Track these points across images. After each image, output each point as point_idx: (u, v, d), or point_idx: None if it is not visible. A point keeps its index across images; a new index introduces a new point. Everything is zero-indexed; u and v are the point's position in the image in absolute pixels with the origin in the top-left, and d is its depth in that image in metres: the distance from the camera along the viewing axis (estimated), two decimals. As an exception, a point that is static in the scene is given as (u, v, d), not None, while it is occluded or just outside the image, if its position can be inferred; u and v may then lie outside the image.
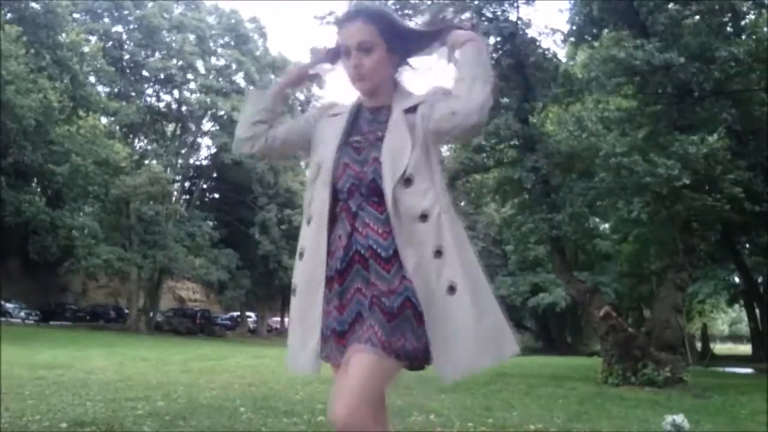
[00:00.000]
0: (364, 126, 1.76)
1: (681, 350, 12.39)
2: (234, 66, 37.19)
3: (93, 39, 32.25)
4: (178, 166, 37.40)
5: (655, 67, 10.92)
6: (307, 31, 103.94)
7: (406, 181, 1.62)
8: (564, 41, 14.33)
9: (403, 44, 1.80)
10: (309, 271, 1.68)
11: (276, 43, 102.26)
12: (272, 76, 39.12)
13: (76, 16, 33.27)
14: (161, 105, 38.06)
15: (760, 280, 23.91)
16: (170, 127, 38.68)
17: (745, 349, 39.78)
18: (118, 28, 35.58)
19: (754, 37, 12.59)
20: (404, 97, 1.78)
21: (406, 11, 12.86)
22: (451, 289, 1.57)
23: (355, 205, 1.65)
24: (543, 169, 12.13)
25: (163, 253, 31.94)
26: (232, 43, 38.00)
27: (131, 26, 35.37)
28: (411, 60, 1.85)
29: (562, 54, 15.27)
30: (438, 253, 1.59)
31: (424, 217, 1.61)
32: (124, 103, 31.94)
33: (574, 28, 14.33)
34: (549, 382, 10.87)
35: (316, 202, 1.70)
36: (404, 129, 1.68)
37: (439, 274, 1.58)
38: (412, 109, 1.72)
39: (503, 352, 1.63)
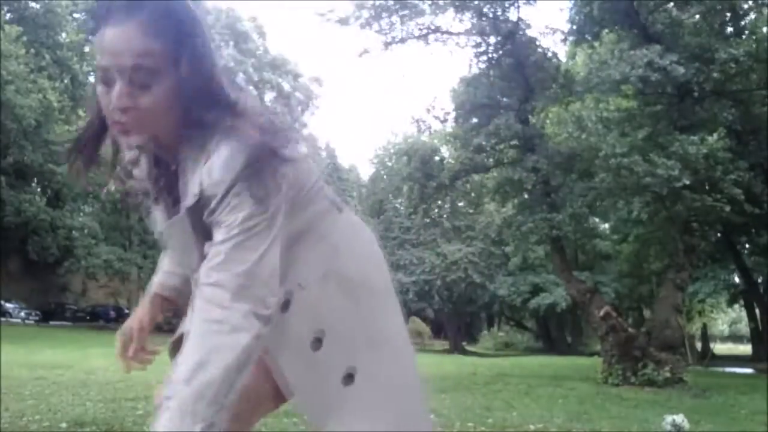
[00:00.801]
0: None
1: (681, 350, 12.39)
2: (233, 65, 37.19)
3: (93, 39, 32.26)
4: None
5: (654, 70, 10.92)
6: (307, 30, 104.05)
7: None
8: (564, 41, 14.35)
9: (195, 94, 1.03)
10: None
11: (276, 43, 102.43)
12: (272, 75, 39.21)
13: (76, 15, 33.27)
14: (161, 105, 38.14)
15: (760, 280, 23.93)
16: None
17: (745, 349, 39.79)
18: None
19: (754, 37, 12.60)
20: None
21: (406, 11, 12.87)
22: None
23: None
24: (543, 169, 12.13)
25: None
26: (231, 42, 38.01)
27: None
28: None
29: (562, 54, 15.28)
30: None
31: None
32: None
33: (575, 27, 14.34)
34: (549, 382, 10.87)
35: None
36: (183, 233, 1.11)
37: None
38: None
39: None
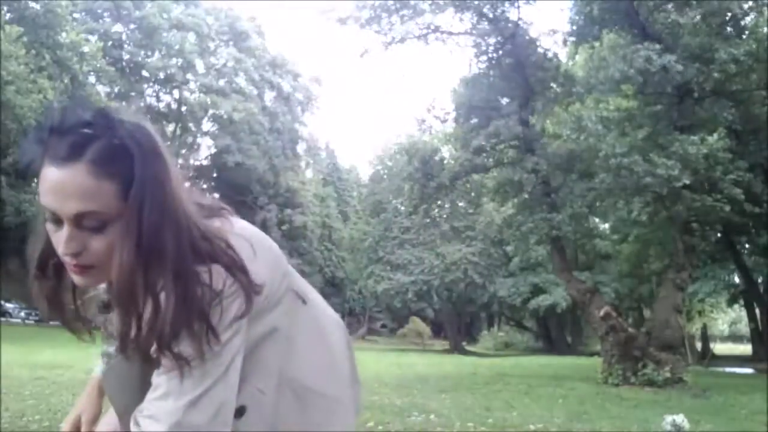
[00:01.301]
0: None
1: (681, 350, 12.39)
2: (233, 65, 37.21)
3: (93, 39, 32.25)
4: (178, 166, 37.41)
5: (652, 73, 10.93)
6: (307, 30, 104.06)
7: None
8: (564, 41, 14.34)
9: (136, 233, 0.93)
10: None
11: (276, 43, 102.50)
12: (272, 75, 39.20)
13: (76, 16, 33.26)
14: (161, 105, 38.10)
15: (760, 280, 23.92)
16: (170, 128, 38.70)
17: (745, 349, 39.78)
18: (118, 27, 35.60)
19: (754, 37, 12.59)
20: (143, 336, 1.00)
21: (406, 11, 12.87)
22: None
23: None
24: (543, 170, 12.13)
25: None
26: (231, 42, 38.02)
27: (131, 26, 35.39)
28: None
29: (562, 54, 15.27)
30: None
31: None
32: (123, 103, 31.93)
33: (575, 28, 14.34)
34: (549, 382, 10.87)
35: None
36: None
37: None
38: None
39: None
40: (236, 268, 0.97)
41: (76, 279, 0.98)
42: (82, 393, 1.28)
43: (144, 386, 1.00)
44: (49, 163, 0.91)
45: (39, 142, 0.93)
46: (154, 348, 0.94)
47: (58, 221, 0.92)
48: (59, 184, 0.90)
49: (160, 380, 0.96)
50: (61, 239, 0.92)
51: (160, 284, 0.93)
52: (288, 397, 1.12)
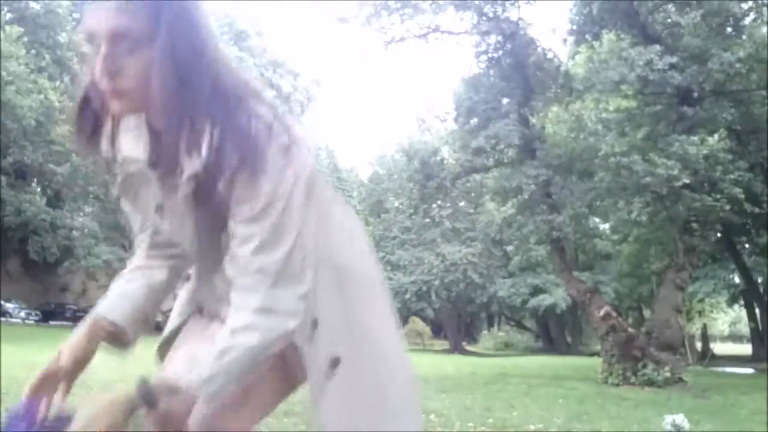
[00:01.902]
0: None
1: (681, 350, 12.39)
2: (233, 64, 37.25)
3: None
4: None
5: (653, 71, 10.92)
6: (306, 30, 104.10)
7: None
8: (564, 41, 14.34)
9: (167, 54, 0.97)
10: None
11: (275, 43, 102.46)
12: (272, 75, 39.21)
13: (76, 16, 33.27)
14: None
15: (760, 280, 23.93)
16: (170, 127, 38.76)
17: (745, 349, 39.78)
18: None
19: (753, 38, 12.60)
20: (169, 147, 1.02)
21: (407, 10, 12.87)
22: None
23: None
24: (542, 175, 12.12)
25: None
26: (231, 42, 38.02)
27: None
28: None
29: (562, 54, 15.26)
30: None
31: None
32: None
33: (575, 28, 14.34)
34: (549, 382, 10.87)
35: None
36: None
37: None
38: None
39: None
40: (276, 111, 1.02)
41: (113, 105, 1.01)
42: (74, 334, 1.22)
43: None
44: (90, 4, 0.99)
45: None
46: (216, 195, 0.99)
47: (97, 47, 0.98)
48: (98, 5, 0.98)
49: (249, 232, 0.99)
50: (98, 59, 0.97)
51: (204, 113, 0.97)
52: (328, 281, 1.12)
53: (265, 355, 1.01)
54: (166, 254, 1.26)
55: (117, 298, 1.26)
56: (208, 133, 0.97)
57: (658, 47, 11.16)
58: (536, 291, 32.58)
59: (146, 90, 0.97)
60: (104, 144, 1.13)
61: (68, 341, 1.21)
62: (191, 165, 0.99)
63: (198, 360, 1.02)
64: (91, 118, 1.09)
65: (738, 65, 11.33)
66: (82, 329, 1.23)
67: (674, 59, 10.89)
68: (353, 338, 1.16)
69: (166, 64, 0.95)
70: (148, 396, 1.00)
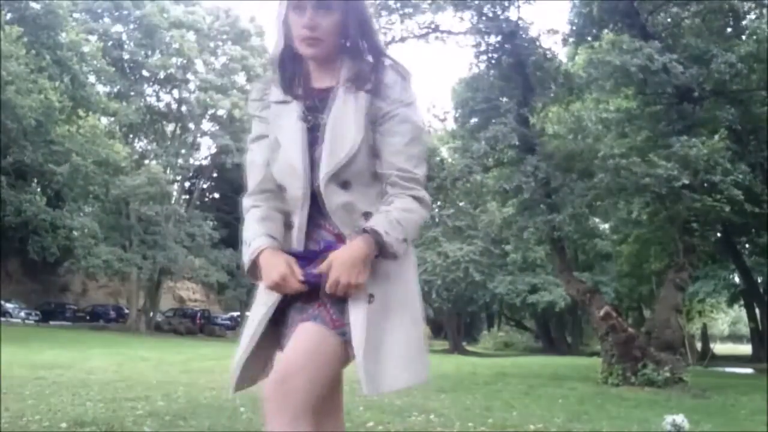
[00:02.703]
0: (314, 115, 1.51)
1: (681, 350, 12.38)
2: (235, 65, 37.19)
3: (93, 39, 32.25)
4: (178, 166, 37.40)
5: (652, 71, 10.92)
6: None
7: (343, 183, 1.46)
8: (564, 41, 14.33)
9: (351, 19, 1.50)
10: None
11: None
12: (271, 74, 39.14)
13: (76, 16, 33.25)
14: (161, 105, 38.06)
15: (760, 280, 23.92)
16: (170, 127, 38.67)
17: (745, 349, 39.78)
18: (118, 27, 35.59)
19: (754, 37, 12.59)
20: (347, 74, 1.51)
21: (407, 10, 12.85)
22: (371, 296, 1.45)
23: (306, 213, 1.51)
24: (542, 172, 12.11)
25: (162, 254, 31.94)
26: (231, 42, 38.00)
27: (131, 26, 35.38)
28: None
29: (562, 54, 15.27)
30: None
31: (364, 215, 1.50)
32: (124, 103, 31.93)
33: (574, 28, 14.34)
34: (549, 382, 10.88)
35: (295, 213, 1.52)
36: (348, 121, 1.46)
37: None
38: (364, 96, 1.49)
39: (419, 377, 1.48)
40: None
41: (308, 50, 1.49)
42: (272, 257, 1.47)
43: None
44: None
45: None
46: (381, 113, 1.50)
47: (301, 9, 1.46)
48: None
49: (409, 152, 1.49)
50: (304, 19, 1.46)
51: (374, 53, 1.55)
52: None
53: (419, 229, 1.55)
54: (274, 206, 1.56)
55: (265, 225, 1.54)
56: (375, 64, 1.52)
57: (658, 44, 11.15)
58: (535, 289, 32.59)
59: (334, 38, 1.49)
60: (295, 82, 1.56)
61: (273, 264, 1.46)
62: (365, 81, 1.49)
63: (391, 214, 1.44)
64: (289, 67, 1.55)
65: (740, 65, 11.32)
66: (272, 255, 1.47)
67: (674, 57, 10.88)
68: (386, 284, 1.48)
69: (353, 20, 1.49)
70: (380, 241, 1.40)
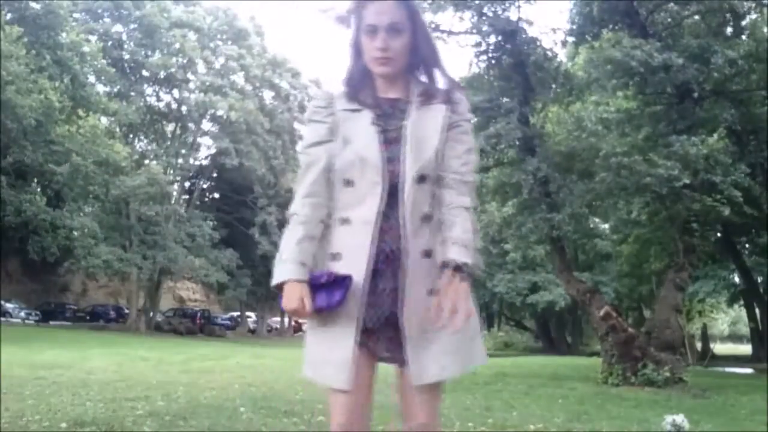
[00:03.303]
0: (383, 120, 1.68)
1: (681, 350, 12.38)
2: (233, 64, 37.18)
3: (93, 39, 32.24)
4: (178, 166, 37.40)
5: (654, 67, 10.92)
6: (306, 30, 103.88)
7: (421, 177, 1.62)
8: (564, 41, 14.32)
9: (420, 42, 1.72)
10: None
11: (275, 43, 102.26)
12: (272, 75, 39.16)
13: (76, 16, 33.23)
14: (161, 105, 38.04)
15: (760, 280, 23.92)
16: (170, 128, 38.65)
17: (745, 349, 39.78)
18: (118, 27, 35.56)
19: (754, 37, 12.59)
20: (421, 89, 1.72)
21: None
22: (431, 292, 1.59)
23: (384, 204, 1.61)
24: (542, 171, 12.11)
25: (162, 254, 31.93)
26: (230, 42, 37.98)
27: (131, 26, 35.37)
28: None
29: (562, 54, 15.25)
30: (426, 254, 1.63)
31: (427, 217, 1.64)
32: (124, 103, 31.92)
33: (575, 27, 14.33)
34: (549, 382, 10.88)
35: (367, 204, 1.61)
36: (431, 120, 1.68)
37: (426, 274, 1.62)
38: (432, 105, 1.71)
39: (473, 361, 1.72)
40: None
41: (381, 68, 1.69)
42: (294, 287, 1.60)
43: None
44: (373, 2, 1.67)
45: None
46: (452, 123, 1.71)
47: (375, 32, 1.65)
48: (380, 9, 1.65)
49: (466, 159, 1.71)
50: (377, 42, 1.66)
51: (436, 70, 1.76)
52: None
53: (474, 230, 1.70)
54: (318, 215, 1.68)
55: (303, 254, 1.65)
56: (446, 82, 1.76)
57: (658, 44, 11.15)
58: (535, 288, 32.59)
59: (403, 57, 1.69)
60: (365, 93, 1.72)
61: (293, 296, 1.60)
62: (440, 96, 1.72)
63: (463, 240, 1.61)
64: (359, 81, 1.73)
65: (741, 62, 11.30)
66: (298, 286, 1.60)
67: (674, 54, 10.87)
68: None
69: (425, 42, 1.71)
70: (470, 273, 1.58)
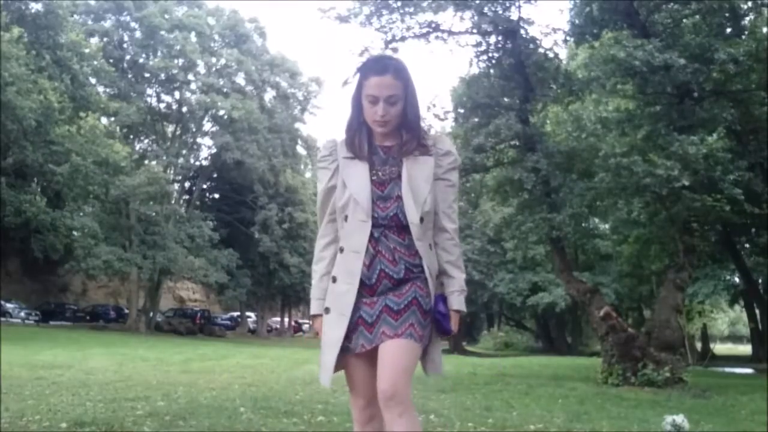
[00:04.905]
0: (379, 164, 2.08)
1: (681, 350, 12.37)
2: (234, 65, 37.19)
3: (93, 39, 32.25)
4: (178, 166, 37.41)
5: (654, 67, 10.91)
6: (307, 29, 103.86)
7: (421, 219, 2.01)
8: (564, 41, 14.31)
9: (409, 107, 2.09)
10: (341, 294, 2.01)
11: (275, 42, 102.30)
12: (271, 75, 39.14)
13: (76, 16, 33.24)
14: (162, 105, 38.04)
15: (760, 280, 23.91)
16: (170, 128, 38.65)
17: (745, 349, 39.78)
18: (120, 28, 35.57)
19: (753, 37, 12.58)
20: (413, 140, 2.09)
21: (407, 9, 12.84)
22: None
23: (378, 233, 2.01)
24: (543, 169, 12.11)
25: (162, 254, 31.93)
26: (232, 43, 37.98)
27: (132, 26, 35.38)
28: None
29: (562, 54, 15.24)
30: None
31: (431, 246, 2.09)
32: (124, 104, 31.92)
33: (575, 28, 14.32)
34: (549, 382, 10.87)
35: (355, 237, 2.01)
36: (420, 171, 2.06)
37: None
38: (423, 152, 2.10)
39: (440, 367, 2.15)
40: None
41: (380, 129, 2.07)
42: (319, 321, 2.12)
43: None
44: (373, 73, 2.03)
45: (370, 63, 2.13)
46: (443, 168, 2.12)
47: (376, 101, 2.02)
48: (382, 82, 2.01)
49: (453, 207, 2.14)
50: (378, 110, 2.02)
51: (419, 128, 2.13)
52: None
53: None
54: (333, 239, 2.12)
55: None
56: (422, 137, 2.12)
57: (658, 43, 11.14)
58: (535, 288, 32.58)
59: (397, 119, 2.06)
60: (364, 146, 2.09)
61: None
62: (428, 151, 2.10)
63: (455, 266, 2.11)
64: (357, 132, 2.09)
65: (742, 58, 11.27)
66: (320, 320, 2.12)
67: (675, 54, 10.86)
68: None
69: (412, 108, 2.08)
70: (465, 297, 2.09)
